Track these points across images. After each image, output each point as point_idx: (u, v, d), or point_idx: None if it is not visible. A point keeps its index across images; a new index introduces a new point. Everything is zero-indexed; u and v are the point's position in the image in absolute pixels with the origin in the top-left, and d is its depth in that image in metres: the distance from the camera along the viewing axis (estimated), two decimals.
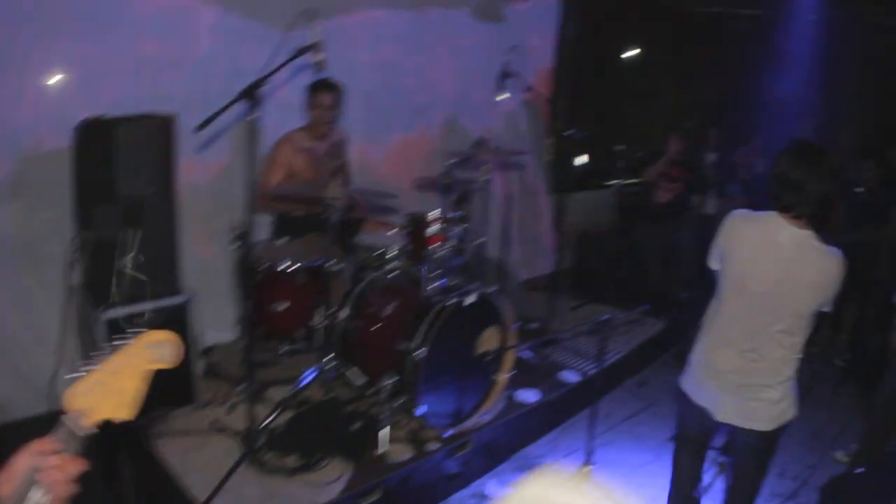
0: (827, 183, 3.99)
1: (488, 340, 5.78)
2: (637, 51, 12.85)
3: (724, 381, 4.31)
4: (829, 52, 11.60)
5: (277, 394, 5.80)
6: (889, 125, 11.16)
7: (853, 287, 8.57)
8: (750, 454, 4.47)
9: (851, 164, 9.57)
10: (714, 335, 4.39)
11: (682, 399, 4.58)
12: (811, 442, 7.04)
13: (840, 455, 6.76)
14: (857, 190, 8.87)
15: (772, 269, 4.09)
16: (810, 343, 9.38)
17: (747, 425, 4.30)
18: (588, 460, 5.58)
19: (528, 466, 6.03)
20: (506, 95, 7.20)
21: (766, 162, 9.95)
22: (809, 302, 4.07)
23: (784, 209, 4.07)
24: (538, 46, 10.03)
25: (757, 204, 4.32)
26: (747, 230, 4.24)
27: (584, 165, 11.64)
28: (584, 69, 11.22)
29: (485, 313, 5.78)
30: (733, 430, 4.40)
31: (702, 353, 4.47)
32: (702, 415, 4.45)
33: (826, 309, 4.15)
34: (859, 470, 5.57)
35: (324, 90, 6.49)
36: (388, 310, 5.74)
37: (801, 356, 4.25)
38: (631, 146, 10.80)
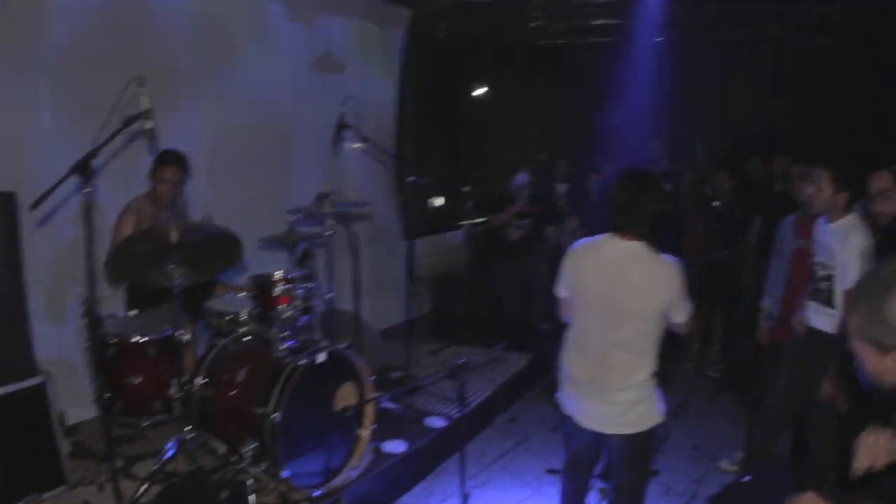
0: (655, 203, 4.49)
1: (346, 396, 5.81)
2: (484, 89, 13.08)
3: (582, 389, 4.72)
4: (677, 71, 11.96)
5: (144, 468, 5.70)
6: (741, 138, 11.59)
7: (720, 298, 8.87)
8: (622, 463, 4.79)
9: (707, 179, 9.91)
10: (570, 350, 4.80)
11: (564, 416, 4.92)
12: (694, 455, 7.25)
13: (725, 464, 6.96)
14: (714, 204, 9.16)
15: (604, 282, 4.54)
16: (684, 359, 9.67)
17: (611, 430, 4.66)
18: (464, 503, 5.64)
19: None
20: (357, 146, 7.26)
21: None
22: (643, 305, 4.50)
23: (617, 229, 4.54)
24: (380, 94, 10.18)
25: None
26: (585, 255, 4.71)
27: (437, 209, 11.80)
28: (429, 112, 11.40)
29: (339, 369, 5.82)
30: (608, 443, 4.79)
31: (564, 368, 4.84)
32: (578, 428, 4.80)
33: (677, 320, 4.60)
34: (746, 478, 5.72)
35: (168, 164, 6.40)
36: (242, 375, 5.73)
37: (655, 363, 4.60)
38: (480, 186, 10.97)
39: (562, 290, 4.82)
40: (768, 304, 6.92)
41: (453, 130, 12.67)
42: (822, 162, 5.74)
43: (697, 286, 9.65)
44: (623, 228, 4.53)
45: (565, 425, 4.95)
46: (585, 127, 12.23)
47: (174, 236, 5.46)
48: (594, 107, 12.33)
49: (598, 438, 4.78)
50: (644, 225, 4.50)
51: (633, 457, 4.78)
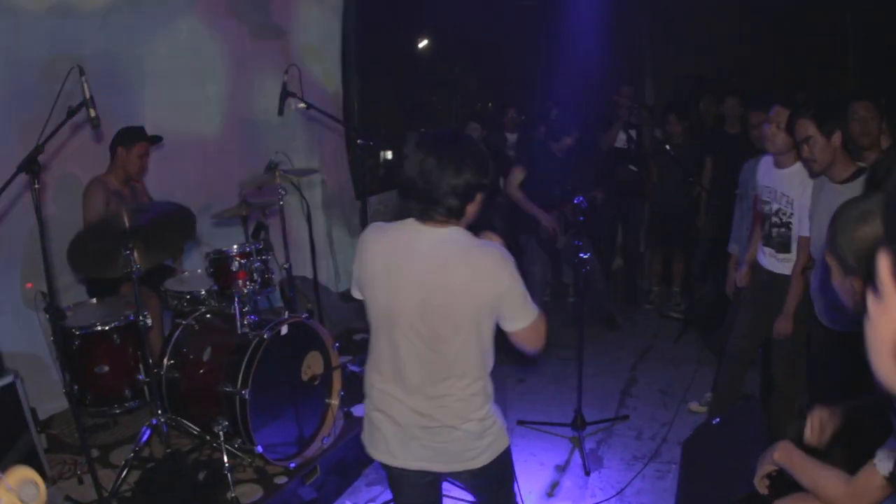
0: (457, 177, 3.36)
1: (313, 365, 5.93)
2: (426, 41, 13.12)
3: (404, 430, 3.62)
4: (624, 14, 12.02)
5: (120, 456, 5.83)
6: (689, 80, 11.68)
7: (678, 239, 9.03)
8: (475, 491, 4.03)
9: (657, 123, 10.04)
10: (379, 375, 3.66)
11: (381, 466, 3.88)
12: (662, 399, 7.46)
13: (694, 406, 7.18)
14: (666, 147, 9.27)
15: (416, 287, 3.44)
16: (644, 301, 9.80)
17: (455, 468, 3.68)
18: None
19: (381, 479, 6.18)
20: (300, 106, 7.25)
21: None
22: (470, 309, 3.40)
23: (419, 215, 3.49)
24: (323, 55, 10.22)
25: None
26: (380, 247, 3.60)
27: (387, 163, 11.88)
28: (374, 69, 11.44)
29: (302, 339, 5.92)
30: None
31: (371, 394, 3.71)
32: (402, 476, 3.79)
33: (512, 327, 3.50)
34: (716, 420, 5.84)
35: (144, 140, 6.67)
36: (207, 354, 5.79)
37: (487, 385, 3.59)
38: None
39: (355, 291, 3.76)
40: (735, 250, 6.94)
41: (400, 85, 12.71)
42: (779, 101, 5.78)
43: (657, 228, 9.90)
44: (423, 215, 3.48)
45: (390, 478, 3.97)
46: (533, 75, 12.27)
47: (127, 221, 5.36)
48: (539, 53, 12.34)
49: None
50: (448, 207, 3.40)
51: (489, 483, 3.87)
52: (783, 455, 3.39)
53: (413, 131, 11.74)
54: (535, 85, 11.88)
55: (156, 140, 6.82)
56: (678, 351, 8.64)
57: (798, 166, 5.64)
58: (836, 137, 4.98)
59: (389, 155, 12.13)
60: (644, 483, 6.03)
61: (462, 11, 12.16)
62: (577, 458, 6.32)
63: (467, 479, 3.82)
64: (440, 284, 3.39)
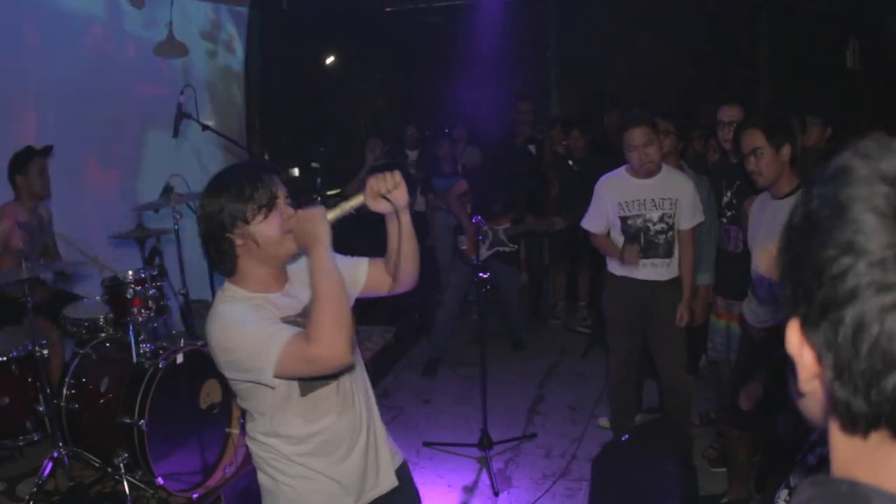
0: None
1: (211, 393, 5.88)
2: (331, 59, 13.11)
3: None
4: (528, 30, 12.10)
5: (28, 488, 5.73)
6: (595, 94, 11.79)
7: (583, 253, 9.07)
8: None
9: (560, 138, 10.06)
10: None
11: None
12: (571, 415, 7.48)
13: (604, 421, 7.17)
14: (569, 163, 9.32)
15: None
16: (550, 316, 9.78)
17: None
18: None
19: None
20: (200, 126, 7.19)
21: (470, 151, 10.28)
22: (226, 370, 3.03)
23: None
24: (227, 74, 10.17)
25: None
26: None
27: (293, 182, 11.83)
28: (278, 87, 11.41)
29: (199, 367, 5.83)
30: None
31: None
32: None
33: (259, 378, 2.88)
34: (625, 437, 5.88)
35: (38, 155, 6.64)
36: (104, 385, 5.74)
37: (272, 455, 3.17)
38: (329, 159, 10.98)
39: None
40: None
41: (303, 103, 12.68)
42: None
43: (560, 243, 9.92)
44: None
45: None
46: (433, 92, 12.30)
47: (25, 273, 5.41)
48: (441, 70, 12.38)
49: None
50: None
51: None
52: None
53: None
54: (441, 101, 11.91)
55: (48, 151, 6.77)
56: (586, 366, 8.68)
57: (662, 172, 6.01)
58: (786, 150, 4.96)
59: (296, 172, 12.09)
60: (554, 502, 6.05)
61: (368, 29, 12.20)
62: (485, 478, 6.31)
63: None
64: None
